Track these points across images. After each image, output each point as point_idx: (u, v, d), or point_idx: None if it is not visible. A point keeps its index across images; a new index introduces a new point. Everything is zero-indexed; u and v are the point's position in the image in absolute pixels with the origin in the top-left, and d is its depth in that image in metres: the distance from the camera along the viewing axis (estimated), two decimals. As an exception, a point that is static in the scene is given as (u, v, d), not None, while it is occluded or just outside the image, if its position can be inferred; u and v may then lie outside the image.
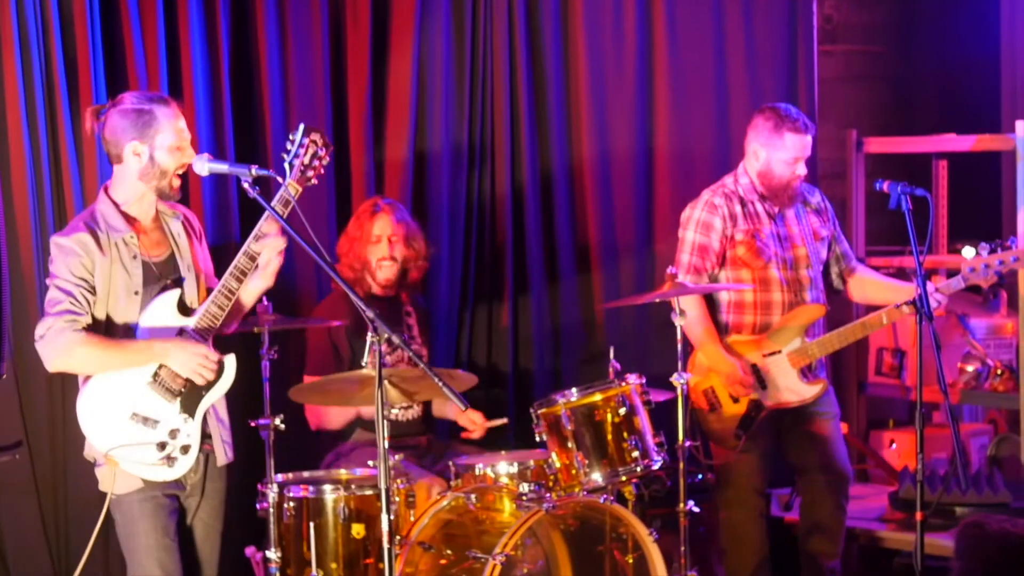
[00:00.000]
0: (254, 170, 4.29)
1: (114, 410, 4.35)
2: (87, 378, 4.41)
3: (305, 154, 4.50)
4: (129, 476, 4.39)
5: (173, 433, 4.40)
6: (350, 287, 4.14)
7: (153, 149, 4.41)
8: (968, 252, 5.32)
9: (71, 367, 4.39)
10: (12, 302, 5.06)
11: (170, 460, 4.39)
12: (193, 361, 4.37)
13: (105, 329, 4.39)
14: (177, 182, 4.47)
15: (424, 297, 5.86)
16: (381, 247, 5.45)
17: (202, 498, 4.55)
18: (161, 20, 5.40)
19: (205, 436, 4.49)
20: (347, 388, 4.67)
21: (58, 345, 4.30)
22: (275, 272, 4.52)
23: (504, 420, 5.57)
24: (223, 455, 4.55)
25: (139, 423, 4.36)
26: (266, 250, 4.45)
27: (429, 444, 5.50)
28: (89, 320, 4.35)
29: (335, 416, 5.36)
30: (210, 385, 4.45)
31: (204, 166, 4.41)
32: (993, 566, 3.45)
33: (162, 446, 4.37)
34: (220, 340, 4.53)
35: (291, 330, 5.15)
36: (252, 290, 4.55)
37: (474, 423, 5.50)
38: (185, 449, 4.42)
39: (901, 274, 6.84)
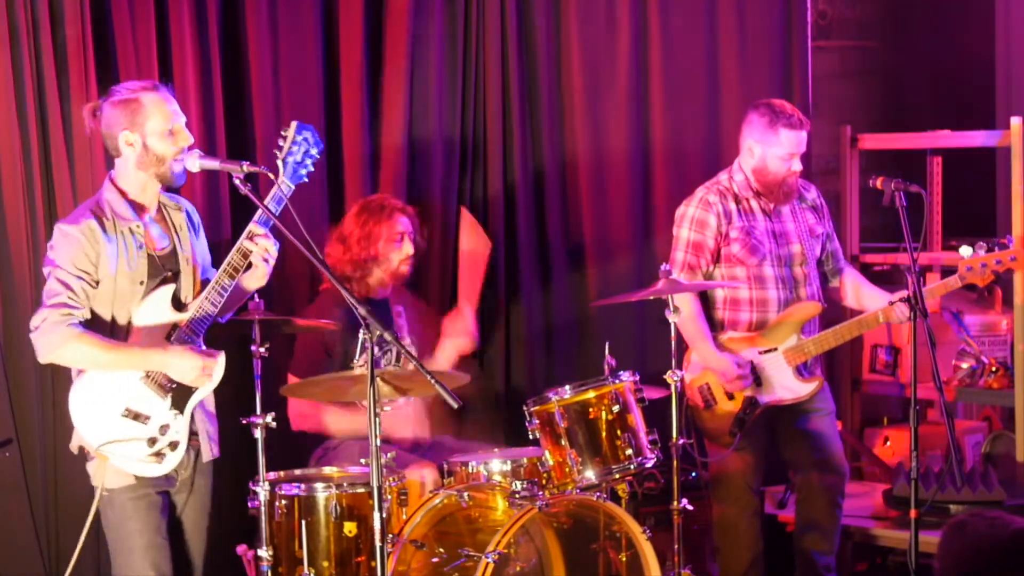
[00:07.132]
0: (245, 166, 4.29)
1: (107, 405, 4.33)
2: (80, 372, 4.38)
3: (297, 152, 4.47)
4: (120, 471, 4.37)
5: (163, 429, 4.38)
6: (341, 284, 4.12)
7: (144, 137, 4.38)
8: (965, 251, 5.31)
9: (64, 361, 4.36)
10: (3, 299, 5.03)
11: (159, 456, 4.38)
12: (194, 371, 4.36)
13: (111, 321, 4.36)
14: (178, 167, 4.42)
15: (413, 292, 5.83)
16: (405, 246, 5.39)
17: (190, 494, 4.54)
18: (152, 11, 5.37)
19: (192, 433, 4.48)
20: (340, 384, 4.65)
21: (52, 339, 4.27)
22: (266, 273, 4.50)
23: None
24: (208, 451, 4.54)
25: (131, 419, 4.34)
26: (254, 254, 4.43)
27: (416, 440, 5.45)
28: (87, 314, 4.32)
29: (332, 425, 5.31)
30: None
31: (195, 162, 4.40)
32: (965, 569, 3.41)
33: (152, 442, 4.36)
34: (209, 337, 4.51)
35: (285, 330, 5.11)
36: (250, 282, 4.54)
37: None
38: (174, 445, 4.40)
39: (895, 271, 6.84)
